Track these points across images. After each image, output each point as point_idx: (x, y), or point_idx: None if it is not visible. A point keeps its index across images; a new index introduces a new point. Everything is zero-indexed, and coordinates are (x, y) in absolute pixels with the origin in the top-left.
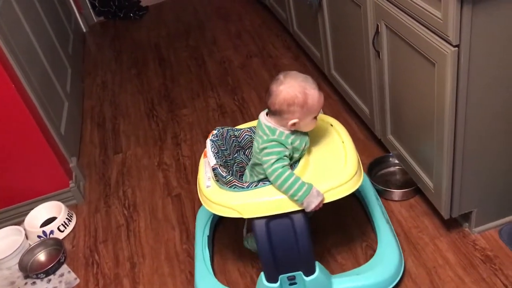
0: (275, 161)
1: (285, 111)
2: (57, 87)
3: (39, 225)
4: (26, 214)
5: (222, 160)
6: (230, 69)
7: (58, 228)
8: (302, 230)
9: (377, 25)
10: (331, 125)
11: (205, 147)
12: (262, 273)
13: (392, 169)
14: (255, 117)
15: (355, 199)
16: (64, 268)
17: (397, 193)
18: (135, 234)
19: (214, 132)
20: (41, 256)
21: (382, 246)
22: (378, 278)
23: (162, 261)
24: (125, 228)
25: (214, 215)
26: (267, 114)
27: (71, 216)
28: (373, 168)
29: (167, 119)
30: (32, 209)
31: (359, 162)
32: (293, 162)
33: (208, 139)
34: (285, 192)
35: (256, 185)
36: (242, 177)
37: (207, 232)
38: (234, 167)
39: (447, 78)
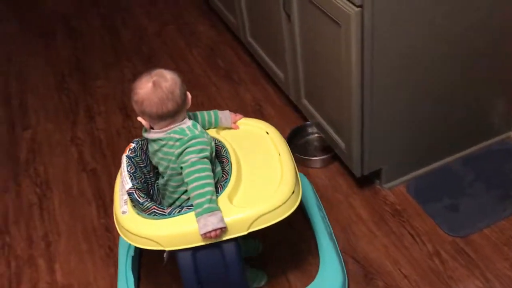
0: (198, 159)
1: (182, 93)
2: None
3: None
4: None
5: (141, 180)
6: (145, 38)
7: None
8: (233, 262)
9: None
10: (267, 133)
11: (121, 119)
12: None
13: (311, 137)
14: None
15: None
16: None
17: (317, 161)
18: (49, 212)
19: (132, 145)
20: None
21: (324, 268)
22: None
23: (80, 238)
24: (38, 206)
25: None
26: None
27: None
28: (293, 138)
29: (79, 92)
30: None
31: (297, 178)
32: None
33: (124, 155)
34: (194, 198)
35: (179, 211)
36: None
37: (131, 252)
38: (155, 186)
39: (352, 39)
